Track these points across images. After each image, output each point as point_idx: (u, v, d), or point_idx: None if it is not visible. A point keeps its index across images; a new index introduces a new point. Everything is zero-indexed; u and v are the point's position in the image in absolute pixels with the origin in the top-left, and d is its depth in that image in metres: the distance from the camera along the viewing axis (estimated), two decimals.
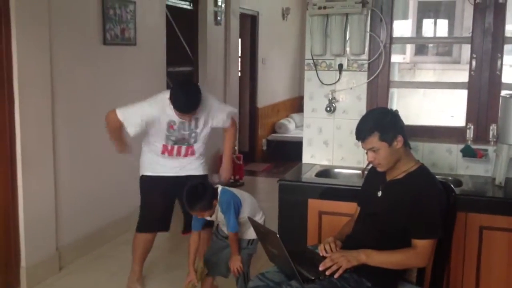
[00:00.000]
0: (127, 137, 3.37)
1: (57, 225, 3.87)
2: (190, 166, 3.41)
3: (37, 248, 3.67)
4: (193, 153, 3.38)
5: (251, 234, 2.94)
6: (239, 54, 7.54)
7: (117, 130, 3.33)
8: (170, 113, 3.22)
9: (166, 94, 3.23)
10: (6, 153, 3.44)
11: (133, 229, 3.53)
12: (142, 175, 3.46)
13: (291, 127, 8.49)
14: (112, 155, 3.46)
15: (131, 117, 3.24)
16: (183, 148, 3.34)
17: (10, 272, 3.53)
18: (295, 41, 9.06)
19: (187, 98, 3.12)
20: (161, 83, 5.15)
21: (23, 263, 3.58)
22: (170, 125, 3.25)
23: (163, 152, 3.33)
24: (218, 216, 2.92)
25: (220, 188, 2.91)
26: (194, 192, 2.81)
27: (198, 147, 3.38)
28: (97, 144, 4.15)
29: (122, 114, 3.26)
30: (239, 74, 7.55)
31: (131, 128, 3.25)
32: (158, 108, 3.23)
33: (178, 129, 3.27)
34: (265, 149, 8.28)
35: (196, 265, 3.07)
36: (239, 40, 7.38)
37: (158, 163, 3.38)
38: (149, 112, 3.23)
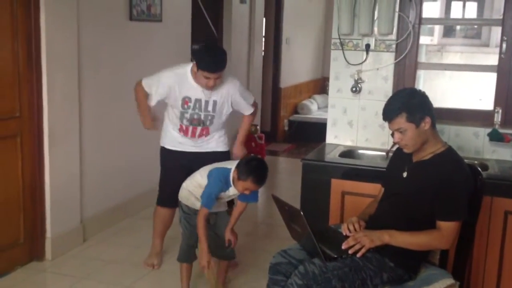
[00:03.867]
0: (155, 111, 3.39)
1: (81, 198, 3.93)
2: (207, 144, 3.38)
3: (62, 220, 3.74)
4: (207, 134, 3.34)
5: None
6: (263, 34, 7.50)
7: (143, 100, 3.35)
8: (188, 86, 3.20)
9: (188, 67, 3.23)
10: (33, 127, 3.50)
11: (154, 204, 3.57)
12: (163, 147, 3.46)
13: (313, 108, 8.45)
14: (137, 131, 3.48)
15: (153, 86, 3.27)
16: (198, 129, 3.31)
17: (36, 242, 3.62)
18: (320, 21, 8.96)
19: (213, 56, 3.08)
20: (186, 60, 5.13)
21: (48, 234, 3.66)
22: (185, 100, 3.22)
23: (179, 131, 3.33)
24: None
25: None
26: (264, 166, 2.83)
27: (213, 129, 3.34)
28: (122, 119, 4.20)
29: (147, 83, 3.31)
30: (263, 53, 7.51)
31: (152, 97, 3.28)
32: (177, 78, 3.22)
33: (193, 107, 3.23)
34: (287, 129, 8.26)
35: (209, 275, 3.02)
36: (264, 19, 7.34)
37: (177, 140, 3.37)
38: (167, 80, 3.23)
